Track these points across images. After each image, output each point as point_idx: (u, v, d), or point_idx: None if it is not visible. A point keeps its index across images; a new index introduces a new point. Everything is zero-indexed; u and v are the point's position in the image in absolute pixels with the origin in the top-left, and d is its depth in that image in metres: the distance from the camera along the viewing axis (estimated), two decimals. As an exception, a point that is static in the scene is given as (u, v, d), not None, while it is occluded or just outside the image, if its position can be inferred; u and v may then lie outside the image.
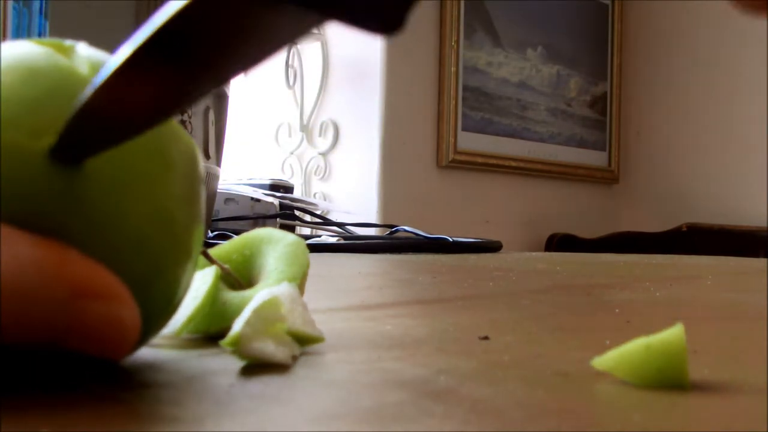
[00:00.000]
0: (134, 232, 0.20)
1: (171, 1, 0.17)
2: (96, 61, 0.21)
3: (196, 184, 0.22)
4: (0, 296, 0.17)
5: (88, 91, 0.18)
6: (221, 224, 1.14)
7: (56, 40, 0.22)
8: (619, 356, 0.21)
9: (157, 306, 0.22)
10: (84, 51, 0.22)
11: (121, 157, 0.20)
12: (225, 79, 0.19)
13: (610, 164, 2.68)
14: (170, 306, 0.22)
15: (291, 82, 2.13)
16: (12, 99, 0.19)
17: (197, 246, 0.23)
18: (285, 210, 1.20)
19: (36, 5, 0.76)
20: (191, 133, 0.85)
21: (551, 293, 0.51)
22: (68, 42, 0.22)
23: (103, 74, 0.18)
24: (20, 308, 0.17)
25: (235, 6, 0.16)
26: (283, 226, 1.13)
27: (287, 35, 0.18)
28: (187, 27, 0.17)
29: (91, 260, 0.19)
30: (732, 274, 0.73)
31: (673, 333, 0.21)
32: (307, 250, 0.29)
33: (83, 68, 0.21)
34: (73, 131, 0.19)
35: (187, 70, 0.18)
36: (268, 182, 1.34)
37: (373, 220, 1.98)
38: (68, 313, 0.18)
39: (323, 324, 0.26)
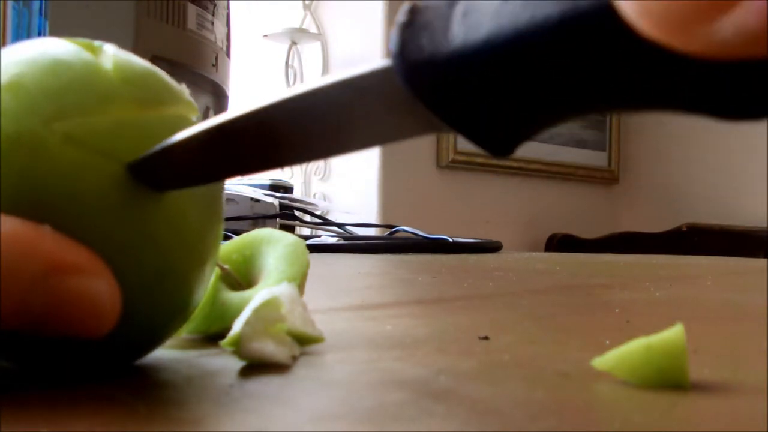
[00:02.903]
0: (142, 228, 0.20)
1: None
2: (121, 60, 0.22)
3: (214, 189, 0.23)
4: None
5: (179, 136, 0.20)
6: (221, 224, 1.13)
7: (87, 41, 0.22)
8: (619, 356, 0.21)
9: (170, 307, 0.22)
10: (111, 50, 0.22)
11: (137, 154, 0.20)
12: (316, 158, 0.20)
13: (609, 164, 2.68)
14: (185, 308, 0.22)
15: (291, 82, 2.13)
16: (33, 88, 0.20)
17: (214, 249, 0.23)
18: (285, 210, 1.20)
19: (36, 5, 0.76)
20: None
21: (551, 293, 0.51)
22: (98, 42, 0.22)
23: (195, 128, 0.19)
24: None
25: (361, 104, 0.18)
26: (283, 226, 1.13)
27: (397, 134, 0.18)
28: (295, 113, 0.18)
29: (64, 235, 0.18)
30: (732, 274, 0.73)
31: (673, 333, 0.21)
32: (307, 250, 0.29)
33: (107, 64, 0.21)
34: (154, 160, 0.20)
35: (285, 149, 0.19)
36: (267, 182, 1.33)
37: (373, 220, 1.98)
38: (45, 290, 0.17)
39: (323, 324, 0.26)
